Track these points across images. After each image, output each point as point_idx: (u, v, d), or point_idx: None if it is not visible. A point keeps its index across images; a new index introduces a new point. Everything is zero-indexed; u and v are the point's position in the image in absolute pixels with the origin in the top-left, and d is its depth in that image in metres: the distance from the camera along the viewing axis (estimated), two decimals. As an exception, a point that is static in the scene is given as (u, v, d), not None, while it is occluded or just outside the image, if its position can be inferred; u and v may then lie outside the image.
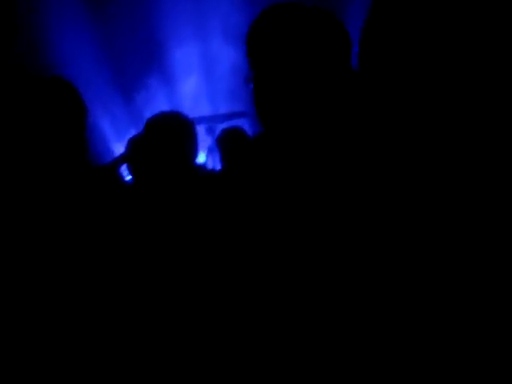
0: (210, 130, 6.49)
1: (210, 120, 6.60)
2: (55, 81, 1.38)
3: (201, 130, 5.89)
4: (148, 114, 6.85)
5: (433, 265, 0.94)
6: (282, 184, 1.19)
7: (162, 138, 1.98)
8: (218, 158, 6.35)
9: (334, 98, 1.11)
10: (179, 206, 1.93)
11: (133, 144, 2.74)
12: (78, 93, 1.42)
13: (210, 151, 6.29)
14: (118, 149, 6.50)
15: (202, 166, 3.01)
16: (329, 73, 1.11)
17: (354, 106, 1.11)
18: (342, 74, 1.11)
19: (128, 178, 2.96)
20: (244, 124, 6.38)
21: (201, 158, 5.95)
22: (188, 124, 2.06)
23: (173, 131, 1.99)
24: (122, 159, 2.81)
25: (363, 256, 1.02)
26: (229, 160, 3.05)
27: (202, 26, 6.86)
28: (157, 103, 6.98)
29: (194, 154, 2.10)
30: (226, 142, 3.09)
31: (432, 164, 0.95)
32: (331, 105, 1.11)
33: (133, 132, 6.30)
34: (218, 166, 6.24)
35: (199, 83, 7.08)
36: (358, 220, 1.05)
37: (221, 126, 6.63)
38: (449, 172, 0.94)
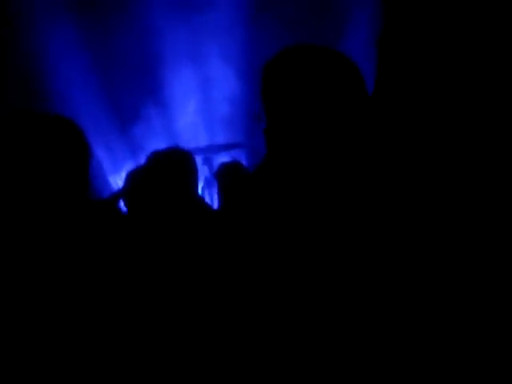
0: (206, 161, 6.50)
1: (206, 150, 6.63)
2: (61, 121, 1.39)
3: (197, 160, 5.89)
4: (144, 144, 6.86)
5: (434, 266, 0.94)
6: (282, 221, 1.18)
7: (168, 174, 1.98)
8: (214, 190, 6.37)
9: (347, 141, 1.10)
10: (180, 241, 1.92)
11: (132, 178, 2.71)
12: (83, 134, 1.42)
13: (206, 182, 6.29)
14: (114, 180, 6.48)
15: (200, 199, 2.99)
16: (343, 115, 1.10)
17: (366, 149, 1.11)
18: (357, 115, 1.11)
19: (126, 211, 2.94)
20: (241, 155, 6.41)
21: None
22: (192, 161, 2.08)
23: (178, 168, 2.00)
24: (121, 193, 2.79)
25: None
26: (227, 195, 3.03)
27: (199, 57, 6.93)
28: (153, 134, 6.99)
29: (195, 189, 2.11)
30: (225, 177, 3.08)
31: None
32: (344, 148, 1.11)
33: (130, 164, 6.32)
34: (215, 198, 6.27)
35: (196, 114, 7.12)
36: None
37: (218, 157, 6.67)
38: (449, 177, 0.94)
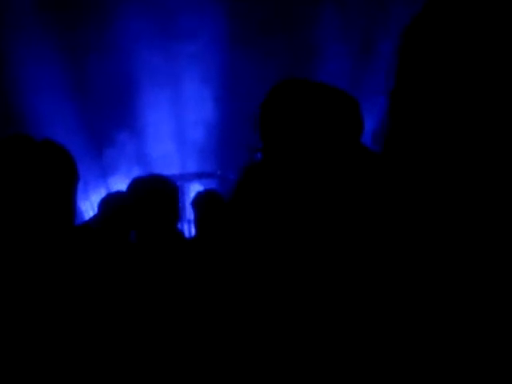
0: (179, 189, 6.47)
1: (178, 178, 6.63)
2: (50, 145, 1.39)
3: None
4: (115, 171, 6.74)
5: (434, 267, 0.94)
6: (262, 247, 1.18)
7: (153, 201, 1.97)
8: (185, 217, 6.33)
9: (341, 175, 1.12)
10: (160, 267, 1.90)
11: (109, 204, 2.67)
12: (71, 159, 1.43)
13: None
14: (84, 206, 6.38)
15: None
16: (338, 149, 1.13)
17: (360, 184, 1.11)
18: (351, 150, 1.13)
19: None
20: (212, 183, 6.42)
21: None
22: (175, 188, 2.08)
23: (162, 195, 1.99)
24: (97, 220, 2.74)
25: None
26: (204, 222, 3.01)
27: (175, 84, 6.98)
28: (124, 161, 6.95)
29: (177, 217, 2.11)
30: (202, 205, 3.06)
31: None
32: (338, 182, 1.12)
33: (100, 191, 6.26)
34: (186, 222, 6.24)
35: (169, 142, 7.12)
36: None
37: (190, 185, 6.66)
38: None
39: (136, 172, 6.46)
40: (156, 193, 1.95)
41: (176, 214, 2.06)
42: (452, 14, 0.84)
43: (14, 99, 6.28)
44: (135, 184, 2.00)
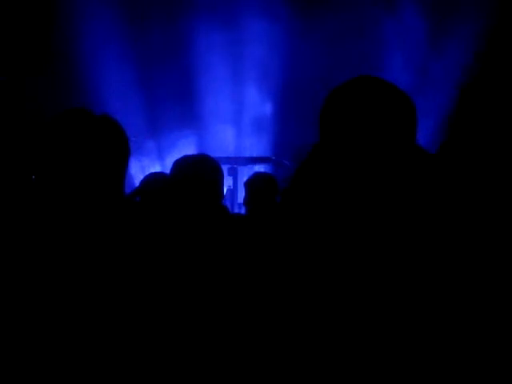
0: (232, 171, 6.55)
1: (234, 161, 6.71)
2: (106, 120, 1.42)
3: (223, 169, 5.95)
4: (173, 152, 6.83)
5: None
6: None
7: (195, 179, 1.95)
8: (236, 199, 6.39)
9: (396, 177, 1.10)
10: (199, 246, 1.88)
11: (155, 179, 2.68)
12: (126, 135, 1.45)
13: (229, 191, 6.33)
14: (137, 178, 6.53)
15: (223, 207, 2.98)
16: (395, 151, 1.11)
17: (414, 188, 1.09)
18: (406, 152, 1.12)
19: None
20: (266, 168, 6.46)
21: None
22: (220, 169, 2.06)
23: (206, 174, 1.97)
24: (137, 193, 2.75)
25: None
26: (255, 204, 2.98)
27: (236, 75, 7.03)
28: (184, 140, 7.08)
29: (220, 197, 2.09)
30: (255, 187, 3.03)
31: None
32: (393, 183, 1.11)
33: (156, 165, 6.43)
34: (236, 206, 6.30)
35: (226, 125, 7.20)
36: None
37: (243, 168, 6.72)
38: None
39: (193, 151, 6.59)
40: (197, 169, 1.93)
41: (218, 193, 2.03)
42: None
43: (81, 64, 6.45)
44: (179, 161, 1.99)
